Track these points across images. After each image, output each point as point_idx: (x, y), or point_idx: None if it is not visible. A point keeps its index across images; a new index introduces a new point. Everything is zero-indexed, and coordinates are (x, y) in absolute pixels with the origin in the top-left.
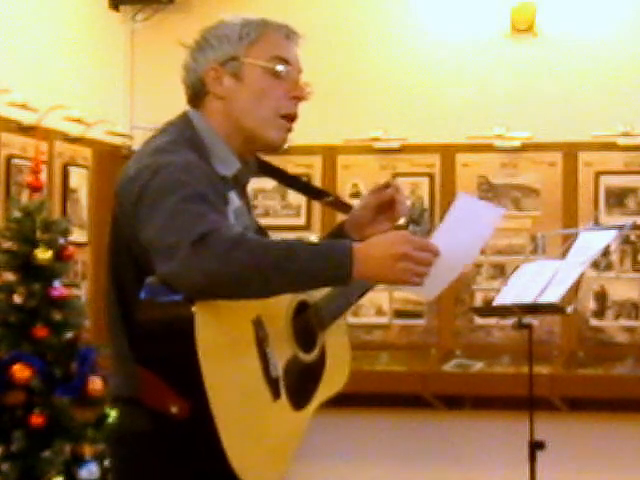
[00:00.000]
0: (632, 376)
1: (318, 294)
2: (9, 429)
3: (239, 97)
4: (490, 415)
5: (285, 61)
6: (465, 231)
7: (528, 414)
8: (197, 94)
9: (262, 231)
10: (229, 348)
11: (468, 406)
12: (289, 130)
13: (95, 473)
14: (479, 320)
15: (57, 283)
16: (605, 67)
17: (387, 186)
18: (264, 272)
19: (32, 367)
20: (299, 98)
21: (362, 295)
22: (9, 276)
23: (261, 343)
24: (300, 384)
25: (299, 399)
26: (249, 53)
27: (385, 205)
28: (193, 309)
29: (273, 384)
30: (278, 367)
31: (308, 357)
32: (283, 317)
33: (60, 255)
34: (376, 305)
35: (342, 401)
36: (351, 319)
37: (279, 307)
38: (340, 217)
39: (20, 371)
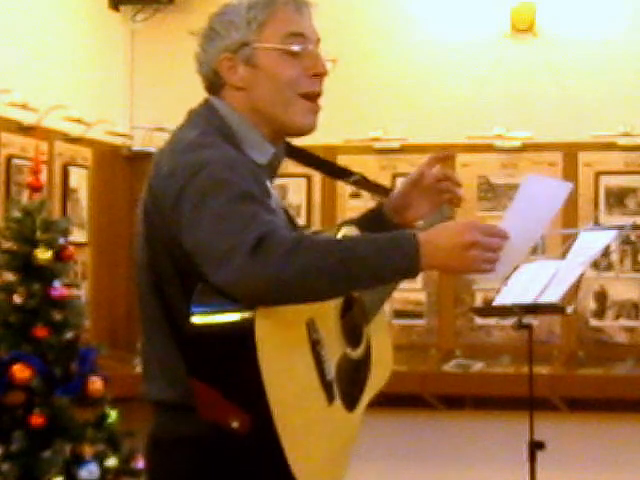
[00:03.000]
0: (632, 376)
1: None
2: (9, 429)
3: (258, 85)
4: (490, 415)
5: (300, 36)
6: (533, 211)
7: (528, 414)
8: (214, 85)
9: (291, 218)
10: (286, 355)
11: (468, 406)
12: (316, 111)
13: (95, 473)
14: (479, 320)
15: (57, 283)
16: (605, 67)
17: (441, 160)
18: (329, 273)
19: (32, 367)
20: (319, 74)
21: (399, 282)
22: (9, 276)
23: (315, 346)
24: (351, 383)
25: (351, 399)
26: (260, 37)
27: (428, 188)
28: (252, 317)
29: (328, 387)
30: (332, 369)
31: (356, 353)
32: (333, 316)
33: (60, 255)
34: None
35: None
36: None
37: (329, 306)
38: (340, 217)
39: (20, 371)
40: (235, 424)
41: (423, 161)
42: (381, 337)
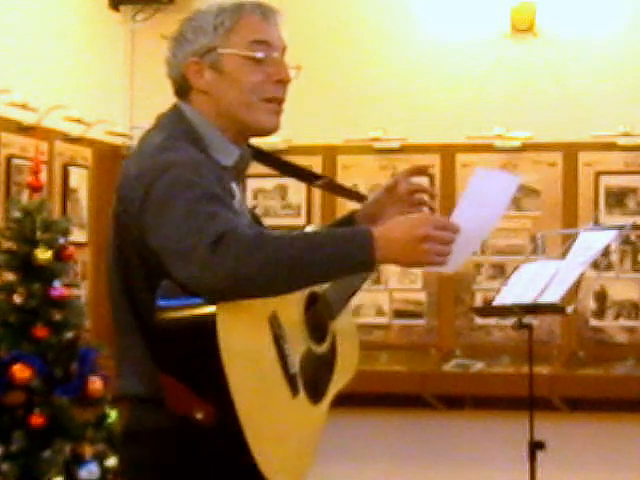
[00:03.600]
0: (632, 376)
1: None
2: (9, 429)
3: (222, 89)
4: (490, 415)
5: (265, 43)
6: (483, 204)
7: (528, 414)
8: (182, 89)
9: (258, 221)
10: (249, 348)
11: (468, 406)
12: (278, 113)
13: (95, 473)
14: (479, 320)
15: (57, 283)
16: (605, 67)
17: (416, 173)
18: (287, 267)
19: (32, 367)
20: (282, 81)
21: (366, 280)
22: (9, 276)
23: (278, 340)
24: (316, 377)
25: (316, 392)
26: (226, 43)
27: (401, 198)
28: (214, 310)
29: (292, 381)
30: (295, 363)
31: (320, 348)
32: (296, 311)
33: (60, 255)
34: (376, 305)
35: (342, 401)
36: None
37: (292, 301)
38: (339, 214)
39: (20, 371)
40: (199, 415)
41: (400, 172)
42: (347, 334)
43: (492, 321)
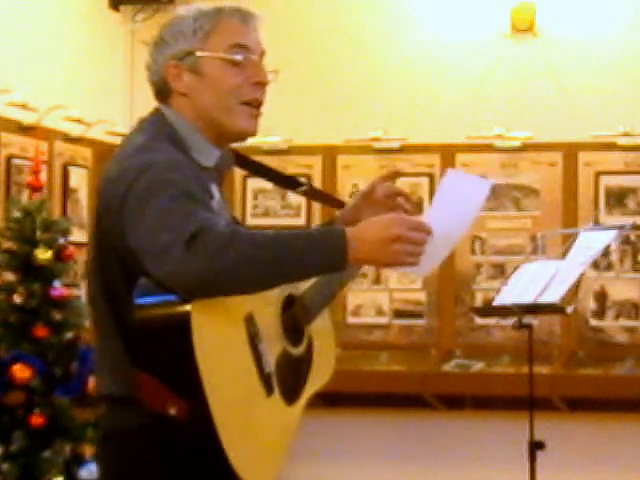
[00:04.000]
0: (632, 376)
1: (304, 286)
2: (9, 429)
3: (201, 91)
4: (490, 415)
5: (243, 47)
6: (456, 206)
7: (528, 414)
8: (162, 92)
9: (237, 222)
10: (223, 346)
11: (468, 406)
12: (256, 116)
13: (95, 473)
14: (479, 320)
15: (57, 283)
16: (605, 67)
17: (392, 177)
18: (260, 265)
19: (32, 367)
20: (261, 83)
21: (345, 284)
22: (9, 276)
23: (253, 339)
24: (291, 378)
25: (291, 393)
26: (205, 46)
27: (378, 202)
28: (188, 309)
29: (267, 380)
30: (270, 362)
31: (296, 351)
32: (273, 312)
33: (60, 255)
34: (376, 305)
35: (342, 401)
36: (351, 319)
37: (269, 302)
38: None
39: (20, 371)
40: (172, 411)
41: (376, 177)
42: (324, 338)
43: (492, 321)
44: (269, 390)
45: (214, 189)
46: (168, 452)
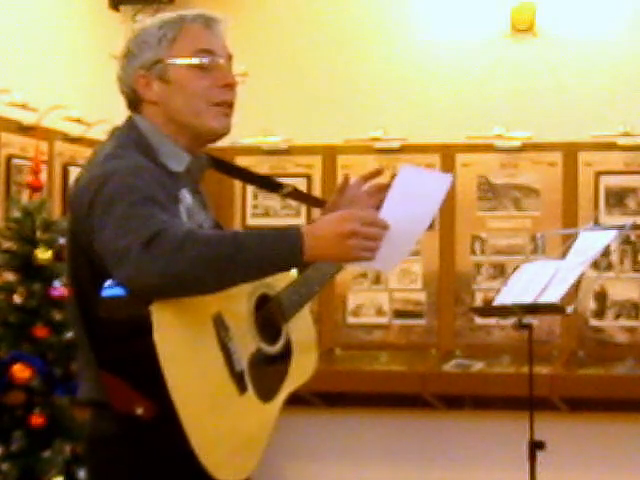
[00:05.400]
0: (632, 376)
1: (279, 286)
2: (9, 429)
3: (170, 98)
4: (490, 415)
5: (208, 51)
6: (414, 202)
7: (528, 414)
8: (133, 102)
9: (220, 227)
10: (190, 346)
11: (468, 406)
12: (227, 115)
13: None
14: (479, 320)
15: (57, 283)
16: (605, 67)
17: (372, 176)
18: (215, 265)
19: (32, 367)
20: (229, 85)
21: (325, 283)
22: (9, 276)
23: (222, 338)
24: (267, 376)
25: (267, 391)
26: (170, 53)
27: (355, 198)
28: (149, 309)
29: (238, 378)
30: (242, 361)
31: (272, 349)
32: (244, 311)
33: (60, 255)
34: (376, 305)
35: (342, 401)
36: (351, 319)
37: (239, 302)
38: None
39: (20, 371)
40: (139, 411)
41: (357, 177)
42: (304, 335)
43: (492, 321)
44: (242, 388)
45: (185, 194)
46: (145, 457)
